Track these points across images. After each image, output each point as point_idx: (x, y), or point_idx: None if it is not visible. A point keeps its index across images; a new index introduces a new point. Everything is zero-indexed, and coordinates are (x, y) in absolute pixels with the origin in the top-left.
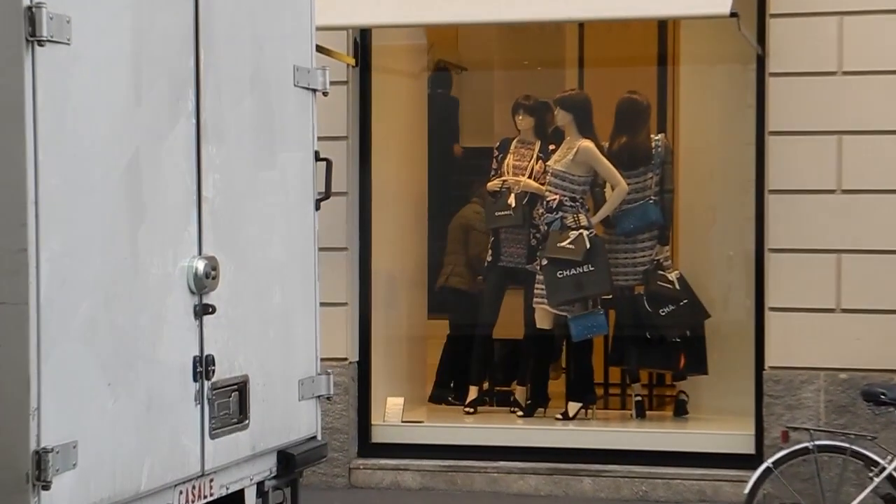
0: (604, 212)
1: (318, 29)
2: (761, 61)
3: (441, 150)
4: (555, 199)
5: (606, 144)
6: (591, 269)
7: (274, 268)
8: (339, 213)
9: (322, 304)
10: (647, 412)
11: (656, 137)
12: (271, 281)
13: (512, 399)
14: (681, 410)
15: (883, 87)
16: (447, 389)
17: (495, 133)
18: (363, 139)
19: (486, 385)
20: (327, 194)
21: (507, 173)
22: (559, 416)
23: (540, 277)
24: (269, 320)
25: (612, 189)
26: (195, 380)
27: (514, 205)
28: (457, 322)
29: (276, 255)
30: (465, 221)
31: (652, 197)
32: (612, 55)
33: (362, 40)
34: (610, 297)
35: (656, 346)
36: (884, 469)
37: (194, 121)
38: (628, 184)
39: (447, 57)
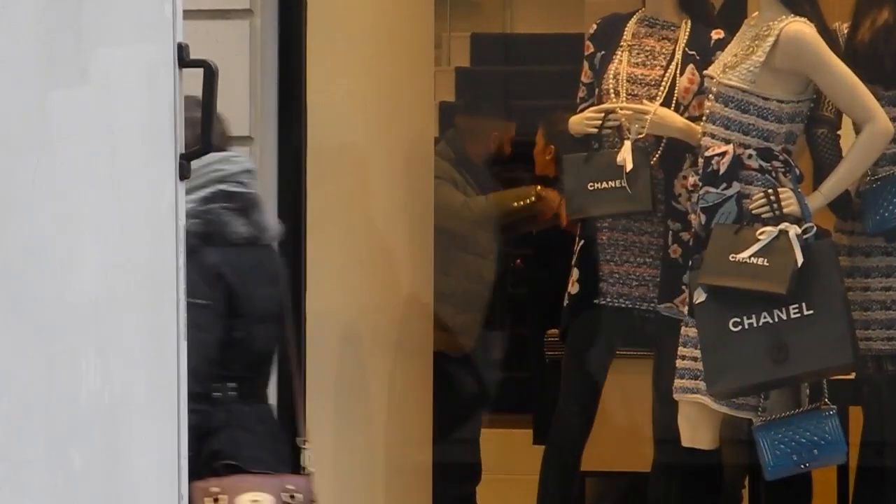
0: (837, 182)
1: None
2: None
3: (467, 45)
4: (724, 154)
5: (843, 31)
6: (810, 313)
7: (83, 312)
8: None
9: None
10: None
11: None
12: (75, 343)
13: None
14: None
15: None
16: None
17: (588, 6)
18: (287, 17)
19: None
20: (206, 144)
21: (616, 94)
22: None
23: (690, 331)
24: (72, 429)
25: (857, 131)
26: None
27: (629, 167)
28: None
29: (86, 282)
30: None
31: None
32: None
33: None
34: (851, 375)
35: None
36: None
37: None
38: (894, 120)
39: None
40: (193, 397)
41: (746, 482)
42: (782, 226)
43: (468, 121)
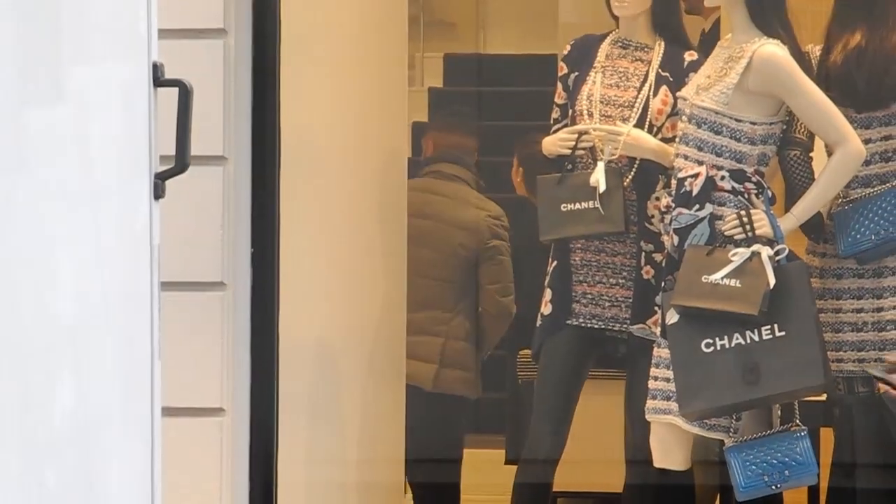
0: (809, 204)
1: None
2: None
3: (440, 66)
4: (697, 175)
5: (816, 53)
6: (782, 334)
7: (57, 331)
8: (208, 207)
9: (169, 412)
10: None
11: None
12: (50, 362)
13: None
14: None
15: None
16: None
17: (561, 27)
18: (261, 37)
19: None
20: (181, 163)
21: (590, 115)
22: None
23: (663, 352)
24: (47, 448)
25: (829, 153)
26: None
27: (602, 188)
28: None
29: (60, 301)
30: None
31: None
32: None
33: None
34: (822, 397)
35: None
36: None
37: None
38: (866, 142)
39: None
40: None
41: (717, 503)
42: (755, 247)
43: (456, 138)
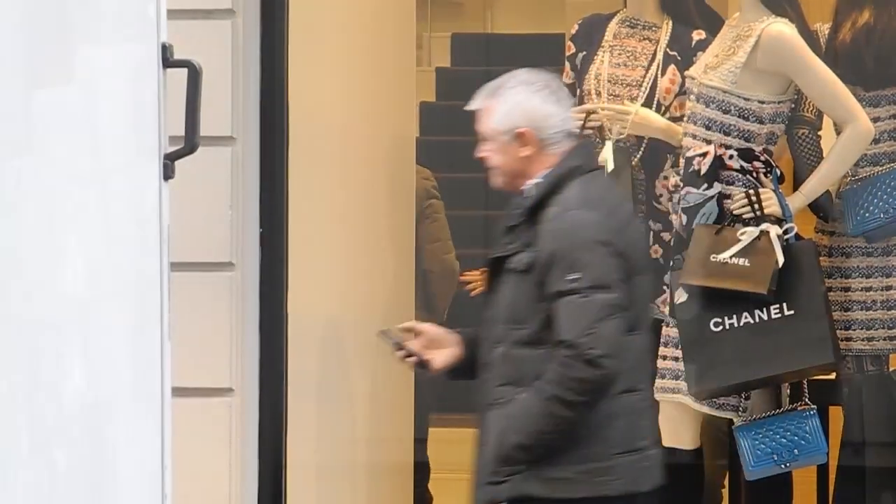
0: (818, 183)
1: None
2: None
3: (447, 45)
4: (705, 154)
5: (824, 32)
6: (791, 313)
7: (67, 312)
8: (216, 187)
9: (178, 392)
10: None
11: None
12: (60, 342)
13: None
14: None
15: None
16: None
17: (569, 6)
18: (269, 17)
19: None
20: (191, 144)
21: (598, 94)
22: None
23: (671, 332)
24: (57, 429)
25: (837, 132)
26: None
27: (610, 167)
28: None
29: (70, 282)
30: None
31: None
32: None
33: None
34: (831, 375)
35: None
36: None
37: None
38: (875, 120)
39: None
40: None
41: (726, 482)
42: (763, 226)
43: None
